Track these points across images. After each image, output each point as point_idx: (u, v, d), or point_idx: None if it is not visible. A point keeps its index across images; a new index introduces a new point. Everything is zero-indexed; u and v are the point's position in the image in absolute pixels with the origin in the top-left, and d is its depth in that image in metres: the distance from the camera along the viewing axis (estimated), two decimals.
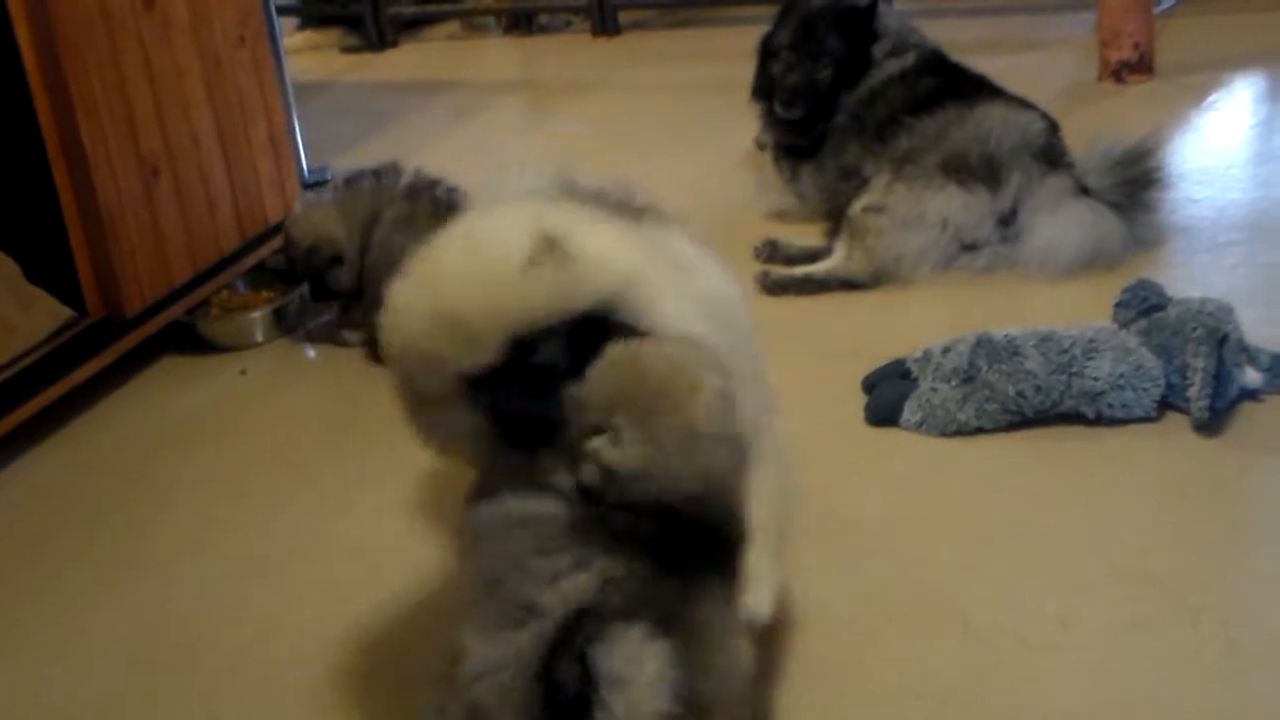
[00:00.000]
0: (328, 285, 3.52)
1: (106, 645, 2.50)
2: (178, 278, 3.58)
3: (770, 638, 1.99)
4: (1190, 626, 2.18)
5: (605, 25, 6.63)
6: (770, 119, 4.07)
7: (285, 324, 3.69)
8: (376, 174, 3.54)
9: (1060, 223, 3.50)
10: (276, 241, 3.75)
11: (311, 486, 2.96)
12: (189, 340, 3.61)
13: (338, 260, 3.48)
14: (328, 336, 3.62)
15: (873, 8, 3.89)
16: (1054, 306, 3.25)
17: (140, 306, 3.49)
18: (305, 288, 3.62)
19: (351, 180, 3.56)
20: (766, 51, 4.04)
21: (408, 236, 3.39)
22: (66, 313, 3.39)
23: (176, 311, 3.58)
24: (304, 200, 3.62)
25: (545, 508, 1.69)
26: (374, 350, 3.46)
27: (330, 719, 2.22)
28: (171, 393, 3.47)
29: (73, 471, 3.15)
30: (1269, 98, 4.81)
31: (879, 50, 3.88)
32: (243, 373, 3.51)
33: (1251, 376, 2.74)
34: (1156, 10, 5.08)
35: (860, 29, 3.88)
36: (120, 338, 3.43)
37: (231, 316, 3.69)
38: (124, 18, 3.41)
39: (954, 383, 2.85)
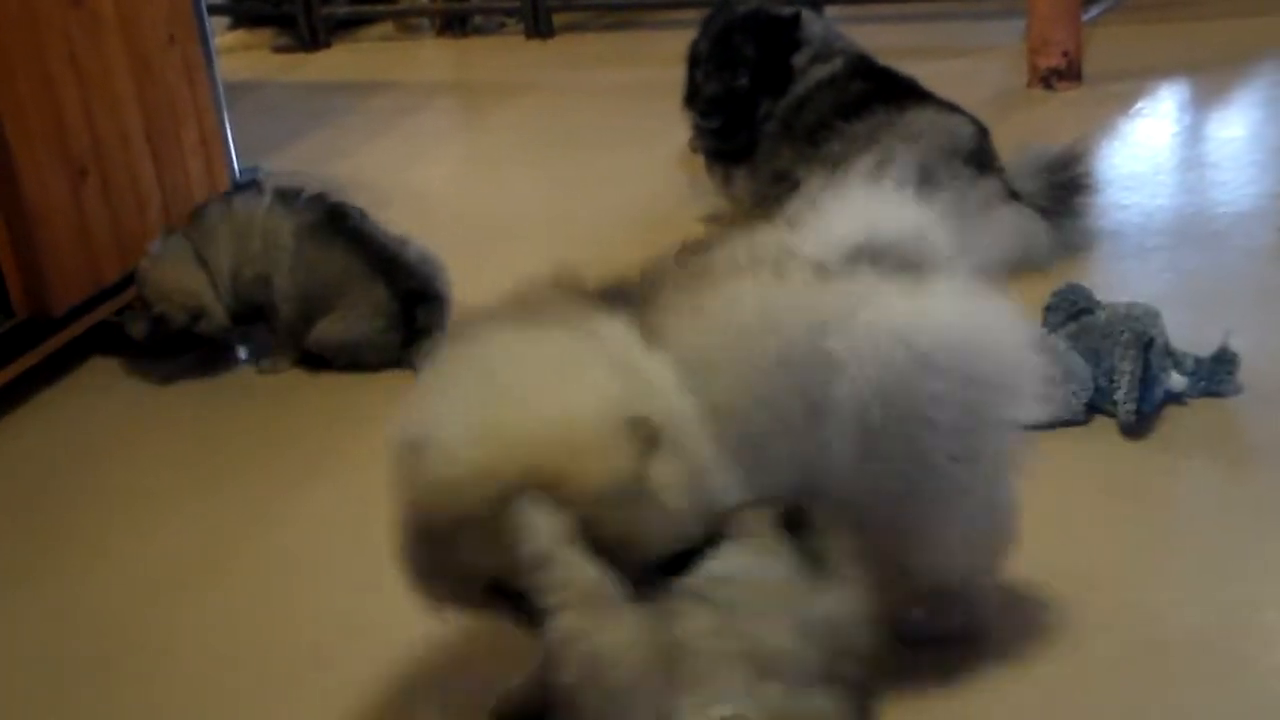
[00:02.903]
0: (199, 335, 3.45)
1: (22, 650, 2.47)
2: (106, 278, 3.54)
3: None
4: (1112, 626, 2.20)
5: (539, 27, 6.63)
6: (715, 130, 4.08)
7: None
8: (228, 201, 3.48)
9: (990, 227, 3.53)
10: None
11: (239, 493, 2.93)
12: (117, 341, 3.57)
13: (198, 315, 3.41)
14: (253, 363, 3.54)
15: (796, 18, 3.90)
16: None
17: (67, 307, 3.44)
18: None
19: (198, 215, 3.48)
20: (692, 59, 4.05)
21: (299, 250, 3.39)
22: None
23: (105, 312, 3.54)
24: (152, 253, 3.45)
25: None
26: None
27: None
28: (100, 394, 3.43)
29: None
30: (1193, 105, 4.88)
31: (800, 59, 3.88)
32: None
33: (1177, 380, 2.78)
34: (1085, 18, 5.14)
35: (778, 38, 3.89)
36: (47, 338, 3.39)
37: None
38: (50, 15, 3.37)
39: None
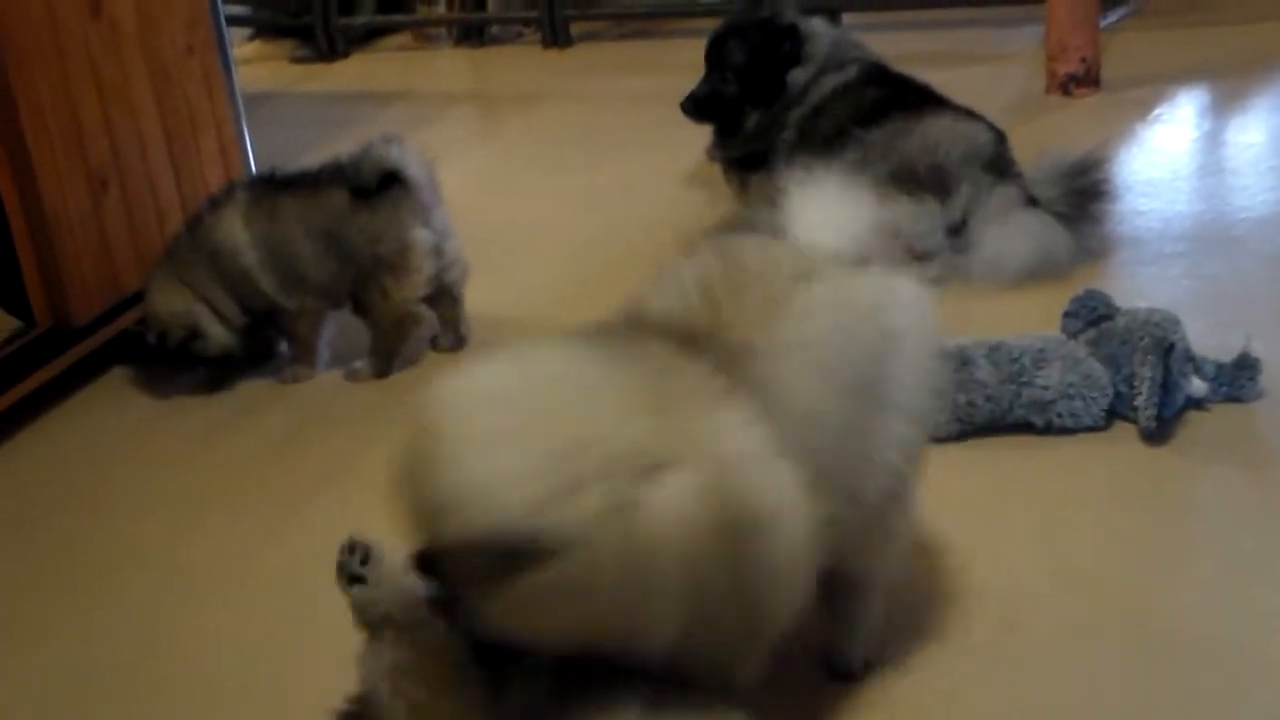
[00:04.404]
0: (202, 356, 3.43)
1: (47, 656, 2.48)
2: (127, 288, 3.55)
3: None
4: (1134, 632, 2.20)
5: (557, 37, 6.63)
6: (714, 133, 4.09)
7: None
8: (193, 228, 3.43)
9: (1009, 233, 3.53)
10: None
11: (260, 500, 2.94)
12: (138, 351, 3.58)
13: (195, 334, 3.40)
14: (275, 373, 3.53)
15: (791, 28, 3.90)
16: (1003, 316, 3.27)
17: (89, 317, 3.46)
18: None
19: (172, 249, 3.46)
20: None
21: (269, 225, 3.35)
22: (13, 323, 3.36)
23: (125, 322, 3.55)
24: (151, 276, 3.47)
25: None
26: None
27: None
28: (121, 403, 3.44)
29: (19, 483, 3.12)
30: (1212, 111, 4.86)
31: (801, 74, 3.88)
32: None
33: (1197, 386, 2.77)
34: (1103, 24, 5.13)
35: (772, 48, 3.89)
36: (68, 348, 3.40)
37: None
38: (71, 26, 3.39)
39: None
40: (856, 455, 1.85)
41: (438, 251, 3.36)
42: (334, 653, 2.38)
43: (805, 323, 1.82)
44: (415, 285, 3.34)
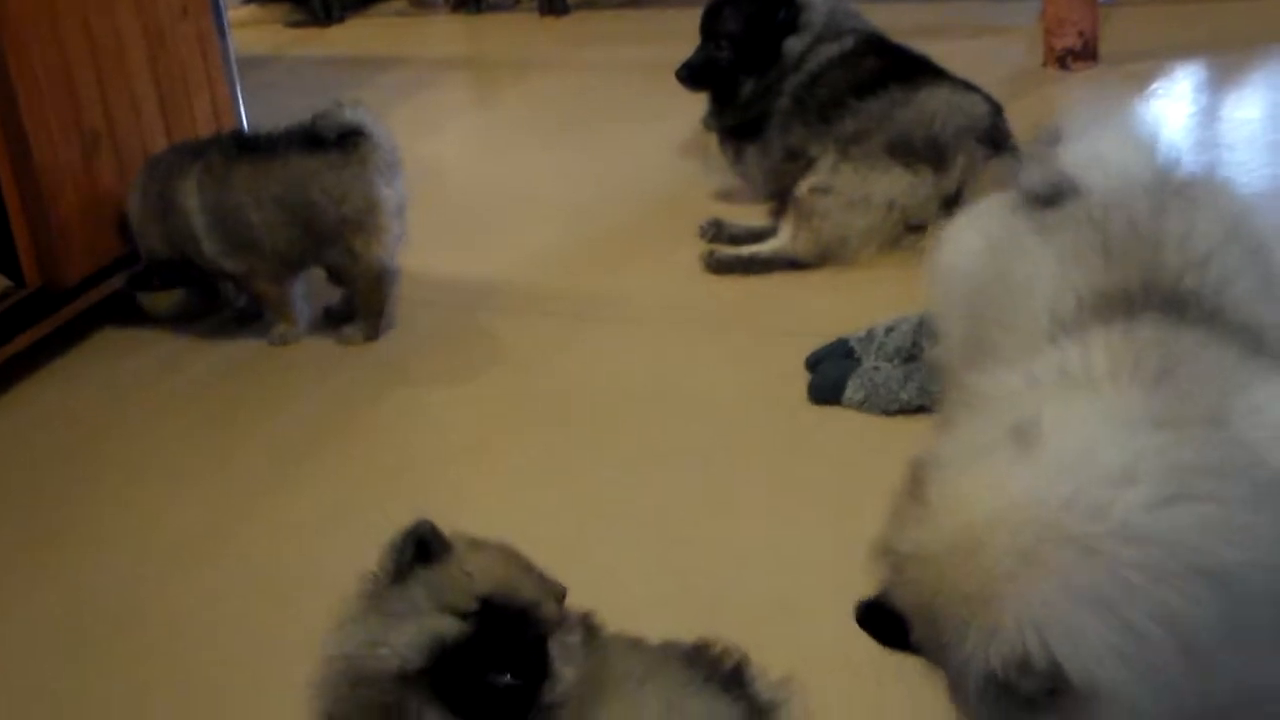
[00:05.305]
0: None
1: (36, 616, 2.48)
2: (118, 248, 3.54)
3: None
4: None
5: (553, 4, 6.60)
6: (710, 101, 4.07)
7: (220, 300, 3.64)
8: (173, 163, 3.45)
9: None
10: None
11: (247, 464, 2.94)
12: (129, 311, 3.57)
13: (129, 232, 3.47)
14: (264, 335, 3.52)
15: None
16: None
17: (79, 277, 3.45)
18: None
19: (155, 162, 3.50)
20: None
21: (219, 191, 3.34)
22: (3, 282, 3.35)
23: (116, 283, 3.54)
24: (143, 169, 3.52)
25: None
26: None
27: (264, 692, 2.20)
28: (111, 364, 3.43)
29: (7, 443, 3.12)
30: (1209, 86, 4.85)
31: (797, 42, 3.86)
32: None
33: None
34: None
35: (767, 16, 3.87)
36: (58, 308, 3.39)
37: (171, 289, 3.63)
38: None
39: (896, 361, 2.87)
40: None
41: (400, 212, 3.35)
42: (322, 614, 2.38)
43: None
44: (384, 243, 3.32)
